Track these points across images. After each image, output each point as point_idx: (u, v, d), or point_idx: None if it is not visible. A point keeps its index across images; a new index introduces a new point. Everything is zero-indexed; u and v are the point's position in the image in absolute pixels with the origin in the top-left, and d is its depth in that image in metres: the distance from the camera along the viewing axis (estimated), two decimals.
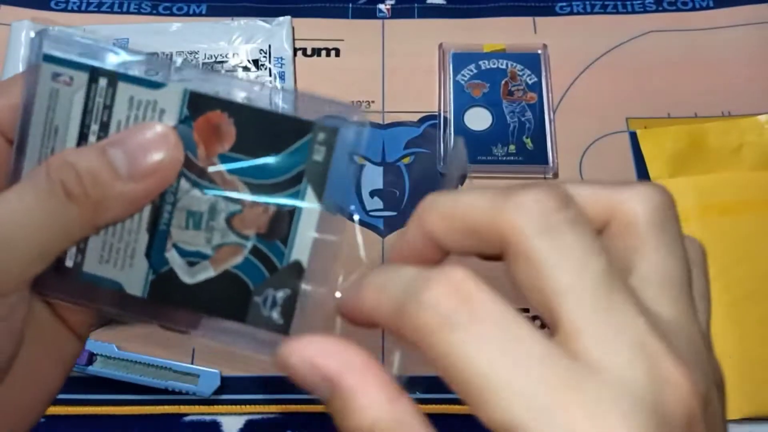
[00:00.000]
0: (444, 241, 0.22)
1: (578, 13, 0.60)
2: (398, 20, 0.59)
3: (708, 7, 0.60)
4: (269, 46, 0.56)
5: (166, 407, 0.45)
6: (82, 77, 0.25)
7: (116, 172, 0.23)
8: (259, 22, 0.56)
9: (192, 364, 0.45)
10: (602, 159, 0.54)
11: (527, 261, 0.19)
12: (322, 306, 0.25)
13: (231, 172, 0.25)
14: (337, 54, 0.58)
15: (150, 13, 0.59)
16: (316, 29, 0.59)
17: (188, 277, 0.25)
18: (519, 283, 0.20)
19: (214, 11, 0.59)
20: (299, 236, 0.25)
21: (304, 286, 0.25)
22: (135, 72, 0.25)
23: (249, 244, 0.25)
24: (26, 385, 0.25)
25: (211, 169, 0.25)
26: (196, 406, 0.45)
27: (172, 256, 0.25)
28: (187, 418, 0.45)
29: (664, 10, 0.60)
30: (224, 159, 0.25)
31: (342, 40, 0.58)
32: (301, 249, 0.25)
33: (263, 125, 0.25)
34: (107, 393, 0.45)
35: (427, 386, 0.46)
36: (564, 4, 0.60)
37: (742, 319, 0.47)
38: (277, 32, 0.56)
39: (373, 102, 0.55)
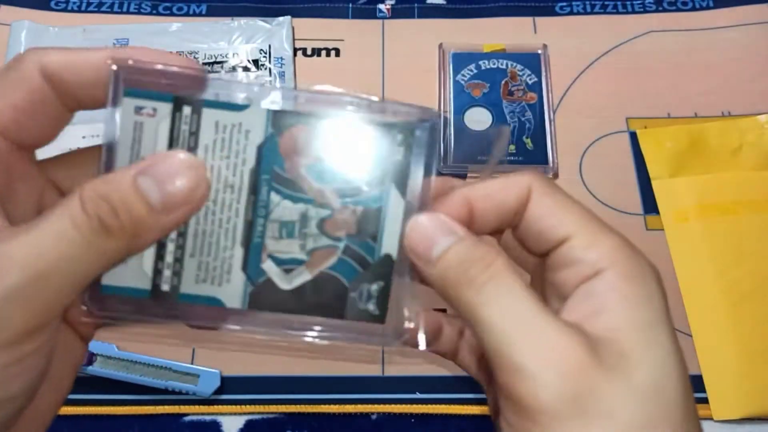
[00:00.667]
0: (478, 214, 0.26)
1: (578, 13, 0.60)
2: (398, 20, 0.59)
3: (708, 7, 0.60)
4: (269, 46, 0.56)
5: (166, 407, 0.45)
6: (166, 107, 0.25)
7: (150, 204, 0.23)
8: (259, 22, 0.56)
9: (192, 364, 0.45)
10: (602, 159, 0.54)
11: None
12: (411, 292, 0.27)
13: (318, 180, 0.26)
14: (337, 54, 0.58)
15: (150, 13, 0.59)
16: (316, 29, 0.59)
17: (286, 283, 0.26)
18: (536, 221, 0.25)
19: (214, 11, 0.59)
20: (387, 231, 0.26)
21: (395, 277, 0.27)
22: (218, 96, 0.26)
23: (341, 245, 0.26)
24: (45, 392, 0.25)
25: (298, 180, 0.26)
26: (196, 406, 0.45)
27: (269, 266, 0.26)
28: (187, 418, 0.45)
29: (664, 10, 0.60)
30: (310, 169, 0.26)
31: (342, 40, 0.58)
32: (389, 243, 0.26)
33: (345, 134, 0.26)
34: (107, 393, 0.45)
35: (426, 387, 0.46)
36: (564, 4, 0.60)
37: (741, 319, 0.47)
38: (277, 32, 0.56)
39: None
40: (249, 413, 0.45)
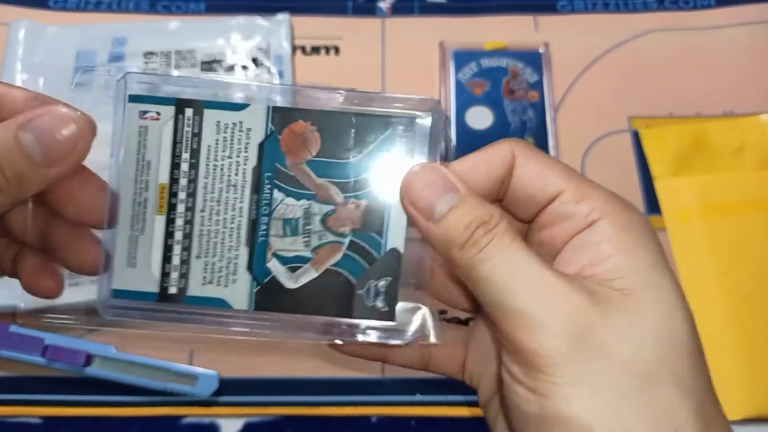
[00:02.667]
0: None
1: (579, 11, 0.59)
2: (398, 18, 0.59)
3: (709, 6, 0.59)
4: (268, 44, 0.55)
5: (164, 409, 0.45)
6: (169, 110, 0.26)
7: (32, 159, 0.24)
8: (258, 20, 0.56)
9: (190, 365, 0.45)
10: (604, 158, 0.53)
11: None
12: (420, 288, 0.27)
13: (320, 175, 0.26)
14: (337, 52, 0.57)
15: (148, 12, 0.59)
16: (315, 27, 0.58)
17: (291, 282, 0.26)
18: (525, 184, 0.26)
19: (213, 9, 0.59)
20: (392, 225, 0.26)
21: (403, 271, 0.27)
22: (218, 97, 0.26)
23: (346, 241, 0.26)
24: None
25: (300, 176, 0.26)
26: (195, 408, 0.45)
27: (274, 265, 0.26)
28: (186, 420, 0.45)
29: (666, 9, 0.59)
30: (312, 164, 0.26)
31: (342, 38, 0.58)
32: (395, 237, 0.26)
33: (344, 127, 0.26)
34: (105, 394, 0.45)
35: (427, 389, 0.46)
36: (565, 2, 0.60)
37: (744, 319, 0.47)
38: (276, 30, 0.56)
39: None
40: (248, 415, 0.45)
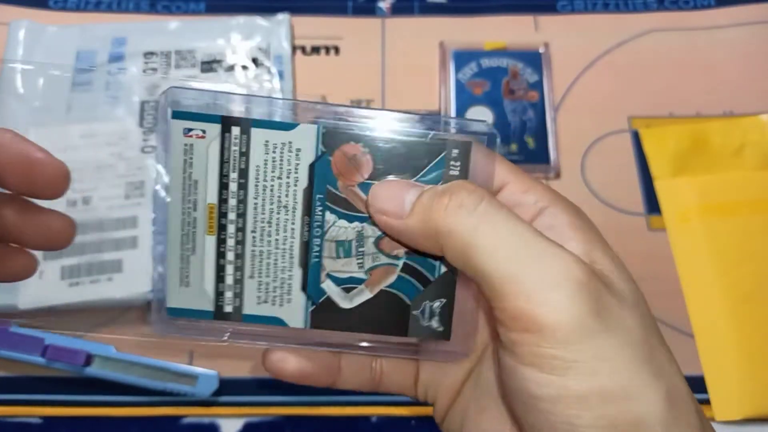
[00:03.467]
0: None
1: (579, 11, 0.59)
2: (398, 18, 0.59)
3: (709, 6, 0.59)
4: (268, 44, 0.55)
5: (164, 409, 0.45)
6: (215, 128, 0.25)
7: None
8: (258, 20, 0.56)
9: (190, 365, 0.45)
10: (604, 158, 0.53)
11: None
12: (471, 306, 0.27)
13: None
14: (337, 52, 0.57)
15: (148, 12, 0.59)
16: (315, 27, 0.58)
17: (346, 302, 0.27)
18: (474, 176, 0.26)
19: (213, 9, 0.59)
20: None
21: (458, 293, 0.26)
22: (263, 115, 0.26)
23: (400, 263, 0.26)
24: None
25: (352, 198, 0.26)
26: (195, 408, 0.45)
27: (328, 286, 0.26)
28: (186, 420, 0.45)
29: (666, 9, 0.59)
30: (364, 187, 0.26)
31: (342, 38, 0.58)
32: None
33: (398, 150, 0.26)
34: (105, 394, 0.45)
35: None
36: (565, 2, 0.60)
37: (744, 319, 0.47)
38: (276, 30, 0.56)
39: (372, 101, 0.55)
40: (248, 415, 0.45)
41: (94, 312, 0.47)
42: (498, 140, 0.26)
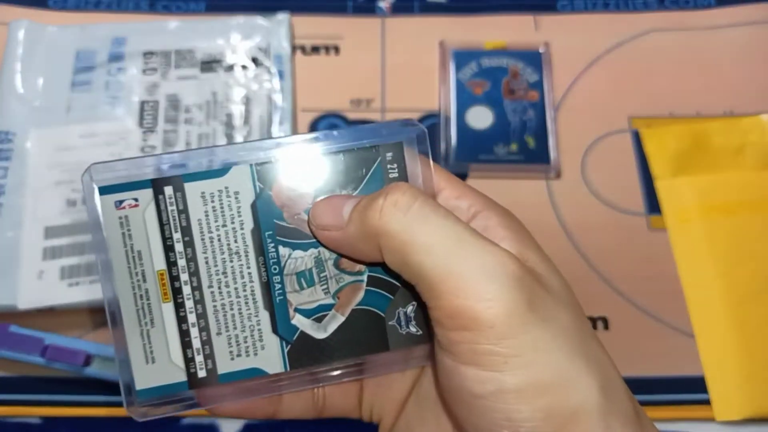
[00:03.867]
0: None
1: (579, 11, 0.59)
2: (398, 17, 0.59)
3: (709, 6, 0.59)
4: (268, 44, 0.55)
5: None
6: (147, 193, 0.25)
7: None
8: (257, 20, 0.56)
9: None
10: (605, 158, 0.53)
11: None
12: None
13: None
14: (337, 52, 0.57)
15: (148, 11, 0.59)
16: (315, 26, 0.58)
17: (321, 332, 0.26)
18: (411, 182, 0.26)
19: (213, 9, 0.59)
20: None
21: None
22: (193, 168, 0.25)
23: (364, 277, 0.26)
24: None
25: (302, 226, 0.25)
26: (194, 408, 0.45)
27: (299, 321, 0.25)
28: (185, 421, 0.45)
29: (666, 9, 0.59)
30: (310, 212, 0.26)
31: (342, 37, 0.58)
32: None
33: (334, 167, 0.26)
34: (105, 394, 0.45)
35: None
36: (565, 2, 0.60)
37: (744, 320, 0.47)
38: (276, 30, 0.56)
39: (372, 100, 0.55)
40: None
41: (94, 312, 0.47)
42: (427, 136, 0.26)
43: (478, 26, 0.58)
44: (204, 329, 0.25)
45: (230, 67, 0.54)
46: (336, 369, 0.26)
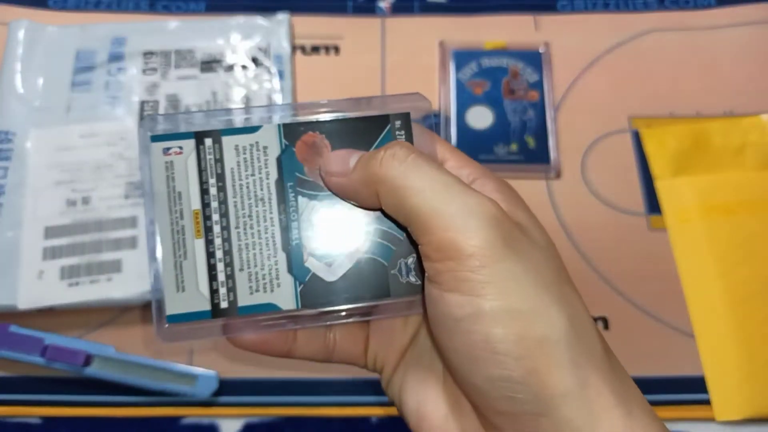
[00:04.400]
0: None
1: (579, 11, 0.59)
2: (398, 17, 0.59)
3: (709, 6, 0.59)
4: (268, 44, 0.55)
5: (163, 409, 0.45)
6: (190, 143, 0.29)
7: None
8: (257, 20, 0.56)
9: (190, 365, 0.45)
10: (605, 158, 0.53)
11: None
12: None
13: None
14: (337, 51, 0.57)
15: (148, 11, 0.59)
16: (315, 26, 0.58)
17: (331, 275, 0.29)
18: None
19: (213, 9, 0.59)
20: None
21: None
22: (229, 124, 0.30)
23: (372, 229, 0.29)
24: None
25: (319, 179, 0.29)
26: (194, 408, 0.45)
27: (312, 264, 0.29)
28: (185, 421, 0.45)
29: (666, 9, 0.59)
30: None
31: (342, 37, 0.58)
32: None
33: (350, 130, 0.29)
34: (105, 394, 0.45)
35: None
36: (565, 2, 0.60)
37: (744, 320, 0.47)
38: (276, 30, 0.56)
39: None
40: (247, 416, 0.45)
41: (94, 312, 0.47)
42: (432, 108, 0.29)
43: (478, 26, 0.58)
44: (229, 265, 0.28)
45: (230, 67, 0.54)
46: (342, 311, 0.29)
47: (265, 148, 0.29)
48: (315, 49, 0.57)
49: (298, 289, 0.28)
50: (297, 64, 0.56)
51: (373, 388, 0.46)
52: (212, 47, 0.55)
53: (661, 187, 0.52)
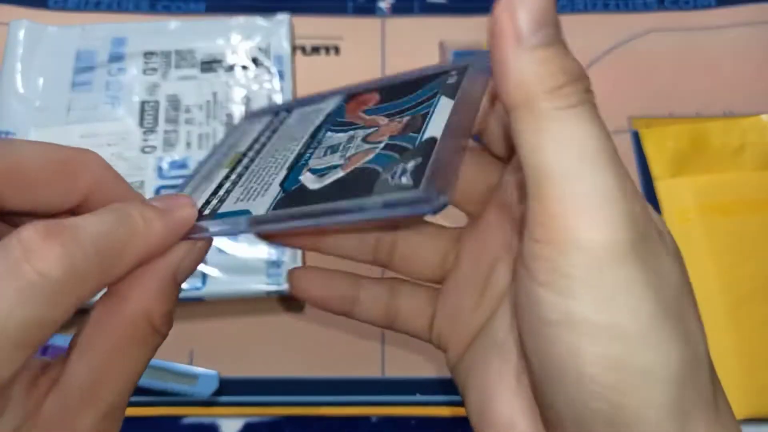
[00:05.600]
0: None
1: (579, 11, 0.59)
2: (398, 17, 0.59)
3: (709, 6, 0.59)
4: (268, 44, 0.55)
5: (164, 409, 0.45)
6: (269, 117, 0.34)
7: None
8: (258, 20, 0.56)
9: (190, 365, 0.45)
10: None
11: None
12: (452, 160, 0.23)
13: (371, 113, 0.28)
14: (337, 52, 0.57)
15: (148, 12, 0.59)
16: (315, 27, 0.58)
17: (316, 184, 0.25)
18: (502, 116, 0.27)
19: (213, 9, 0.59)
20: (433, 122, 0.25)
21: (436, 155, 0.23)
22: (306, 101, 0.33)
23: (382, 144, 0.25)
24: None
25: (354, 119, 0.28)
26: (195, 408, 0.45)
27: (306, 177, 0.26)
28: (186, 420, 0.45)
29: (666, 9, 0.59)
30: (366, 111, 0.28)
31: (342, 38, 0.58)
32: (434, 128, 0.24)
33: (404, 88, 0.28)
34: None
35: (427, 389, 0.46)
36: (565, 2, 0.60)
37: (744, 319, 0.47)
38: (276, 30, 0.56)
39: None
40: (248, 415, 0.45)
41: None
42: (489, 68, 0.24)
43: (478, 26, 0.58)
44: (234, 182, 0.28)
45: (230, 68, 0.54)
46: (313, 214, 0.24)
47: (323, 109, 0.30)
48: (315, 50, 0.57)
49: (278, 198, 0.25)
50: (297, 65, 0.56)
51: (374, 387, 0.46)
52: (212, 47, 0.55)
53: (661, 187, 0.52)
